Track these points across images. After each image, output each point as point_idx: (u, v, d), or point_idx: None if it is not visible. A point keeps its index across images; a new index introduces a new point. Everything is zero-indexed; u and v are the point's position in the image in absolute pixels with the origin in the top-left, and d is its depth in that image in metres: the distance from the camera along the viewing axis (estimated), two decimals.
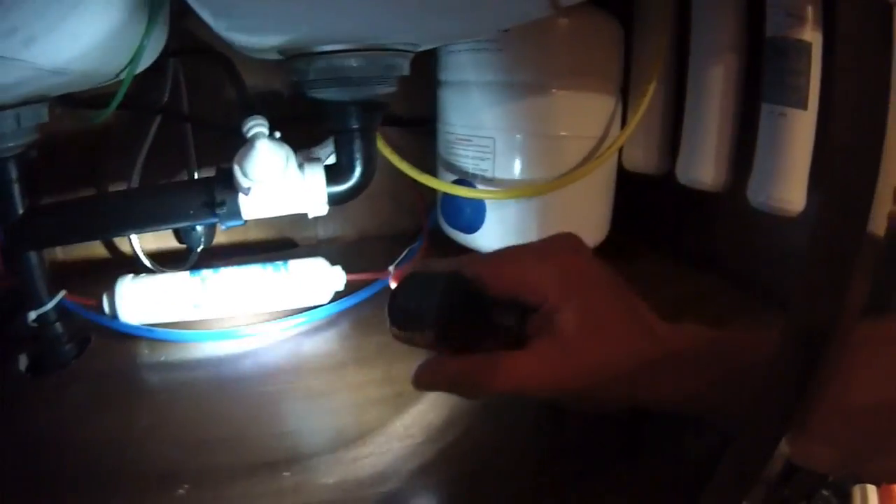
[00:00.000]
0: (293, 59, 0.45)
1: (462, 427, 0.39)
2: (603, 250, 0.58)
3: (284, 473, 0.36)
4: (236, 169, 0.43)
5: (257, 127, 0.43)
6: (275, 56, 0.47)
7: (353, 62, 0.43)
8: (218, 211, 0.44)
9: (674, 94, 0.57)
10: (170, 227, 0.47)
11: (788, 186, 0.49)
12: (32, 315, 0.48)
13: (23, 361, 0.49)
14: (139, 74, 0.45)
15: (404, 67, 0.45)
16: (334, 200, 0.45)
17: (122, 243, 0.57)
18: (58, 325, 0.49)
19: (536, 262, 0.31)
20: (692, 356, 0.29)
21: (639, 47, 0.57)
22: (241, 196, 0.44)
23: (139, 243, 0.55)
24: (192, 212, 0.45)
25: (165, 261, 0.57)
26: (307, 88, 0.44)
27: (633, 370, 0.28)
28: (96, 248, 0.59)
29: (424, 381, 0.32)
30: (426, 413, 0.40)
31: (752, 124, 0.51)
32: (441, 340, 0.28)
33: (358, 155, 0.45)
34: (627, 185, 0.59)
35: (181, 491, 0.35)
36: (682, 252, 0.60)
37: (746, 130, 0.53)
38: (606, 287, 0.31)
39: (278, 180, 0.43)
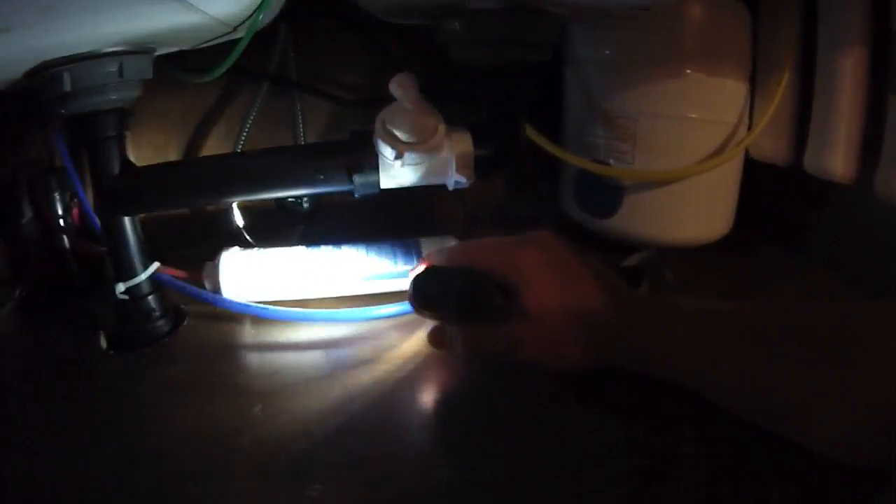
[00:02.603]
0: (441, 17, 0.42)
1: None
2: (723, 244, 0.56)
3: (440, 472, 0.32)
4: (381, 129, 0.39)
5: (408, 84, 0.39)
6: (414, 20, 0.44)
7: (508, 21, 0.40)
8: (354, 176, 0.41)
9: (801, 83, 0.56)
10: (292, 193, 0.43)
11: None
12: (121, 287, 0.44)
13: (103, 339, 0.45)
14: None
15: (551, 35, 0.42)
16: (481, 171, 0.42)
17: (213, 212, 0.53)
18: (150, 298, 0.45)
19: (509, 252, 0.38)
20: (657, 322, 0.35)
21: (766, 35, 0.56)
22: (382, 161, 0.41)
23: (239, 213, 0.51)
24: (322, 176, 0.42)
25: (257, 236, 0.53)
26: (456, 51, 0.41)
27: (592, 336, 0.36)
28: (187, 217, 0.54)
29: (435, 343, 0.41)
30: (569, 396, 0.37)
31: (881, 116, 0.50)
32: (451, 317, 0.38)
33: (507, 124, 0.42)
34: (750, 178, 0.57)
35: (313, 493, 0.31)
36: (804, 248, 0.58)
37: (875, 122, 0.51)
38: (567, 269, 0.37)
39: (431, 146, 0.39)
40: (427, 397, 0.40)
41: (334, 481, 0.31)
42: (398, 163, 0.40)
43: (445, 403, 0.40)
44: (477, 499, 0.31)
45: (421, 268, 0.40)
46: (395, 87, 0.39)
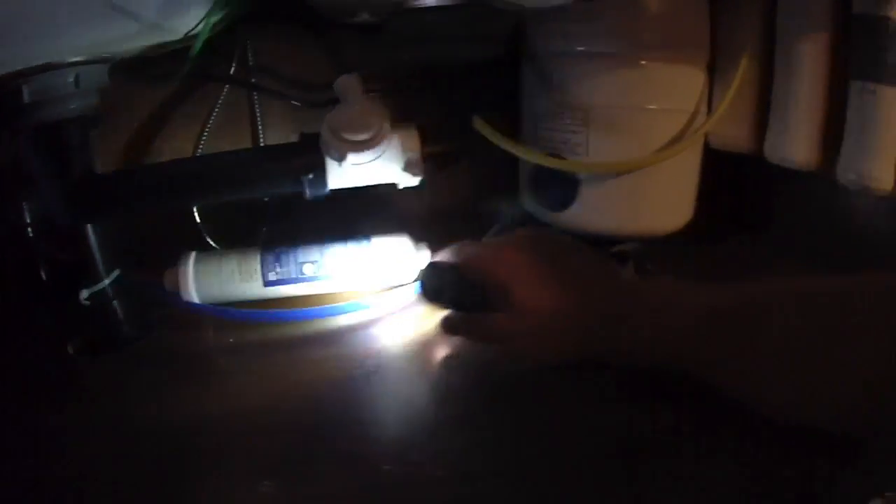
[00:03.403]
0: (387, 16, 0.42)
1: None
2: (685, 232, 0.56)
3: (384, 467, 0.33)
4: (327, 131, 0.40)
5: (352, 85, 0.40)
6: (363, 17, 0.44)
7: (449, 19, 0.40)
8: (304, 178, 0.41)
9: (761, 69, 0.55)
10: (246, 196, 0.44)
11: (878, 164, 0.48)
12: (85, 293, 0.45)
13: (71, 346, 0.46)
14: (206, 41, 0.42)
15: (502, 30, 0.43)
16: (430, 169, 0.42)
17: (180, 219, 0.53)
18: (115, 303, 0.46)
19: (499, 251, 0.41)
20: (650, 308, 0.36)
21: (725, 21, 0.55)
22: (329, 162, 0.41)
23: (200, 218, 0.51)
24: (273, 180, 0.42)
25: (223, 240, 0.53)
26: (403, 48, 0.41)
27: (582, 329, 0.37)
28: (151, 223, 0.55)
29: (445, 329, 0.43)
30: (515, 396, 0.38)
31: (841, 102, 0.50)
32: (453, 306, 0.42)
33: (455, 120, 0.43)
34: (710, 166, 0.57)
35: (263, 488, 0.31)
36: (765, 235, 0.58)
37: (837, 109, 0.51)
38: (555, 264, 0.39)
39: (374, 144, 0.40)
40: (387, 393, 0.41)
41: (287, 476, 0.32)
42: (344, 163, 0.40)
43: (406, 399, 0.40)
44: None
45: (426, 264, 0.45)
46: (339, 89, 0.40)
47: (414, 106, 0.44)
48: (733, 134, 0.55)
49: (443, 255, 0.44)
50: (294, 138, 0.44)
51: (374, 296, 0.48)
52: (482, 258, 0.41)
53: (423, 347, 0.45)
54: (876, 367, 0.29)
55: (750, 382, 0.33)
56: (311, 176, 0.41)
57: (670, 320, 0.35)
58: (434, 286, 0.43)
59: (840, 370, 0.30)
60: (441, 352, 0.43)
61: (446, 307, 0.43)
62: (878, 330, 0.30)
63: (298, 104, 0.51)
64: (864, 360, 0.30)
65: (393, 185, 0.43)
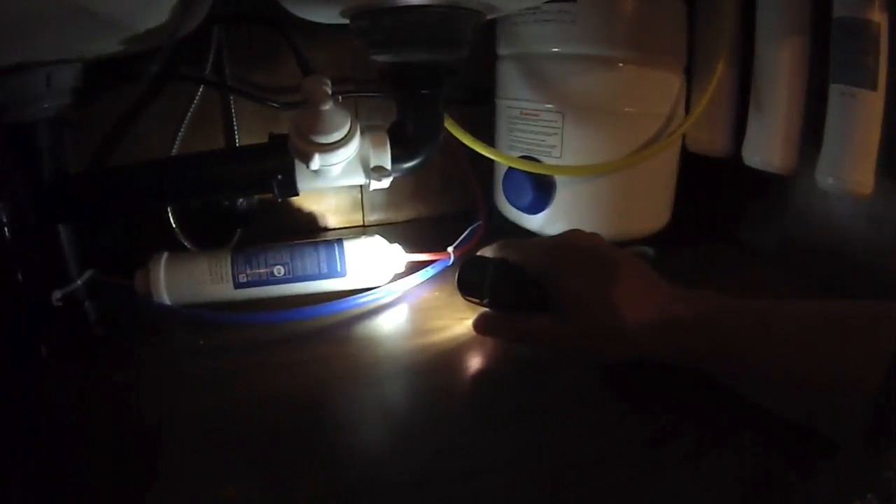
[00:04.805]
0: (358, 17, 0.42)
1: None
2: (662, 236, 0.55)
3: (349, 472, 0.33)
4: (294, 132, 0.40)
5: (319, 86, 0.39)
6: (334, 19, 0.44)
7: (423, 19, 0.40)
8: (273, 181, 0.41)
9: (739, 74, 0.55)
10: (216, 198, 0.44)
11: (858, 167, 0.48)
12: (58, 294, 0.44)
13: (45, 349, 0.45)
14: (181, 42, 0.42)
15: (472, 30, 0.42)
16: (399, 171, 0.42)
17: (155, 220, 0.53)
18: (87, 304, 0.45)
19: (547, 249, 0.40)
20: (691, 321, 0.36)
21: (703, 26, 0.55)
22: (297, 165, 0.41)
23: (174, 220, 0.51)
24: (243, 181, 0.42)
25: (198, 242, 0.53)
26: (372, 50, 0.41)
27: (630, 330, 0.36)
28: (120, 228, 0.55)
29: (479, 329, 0.42)
30: (499, 401, 0.38)
31: (820, 106, 0.50)
32: (492, 304, 0.41)
33: (425, 122, 0.42)
34: (686, 170, 0.57)
35: (225, 492, 0.31)
36: (743, 239, 0.58)
37: (814, 112, 0.51)
38: (603, 266, 0.38)
39: (341, 146, 0.39)
40: (362, 395, 0.40)
41: (248, 480, 0.32)
42: (312, 165, 0.40)
43: (380, 402, 0.40)
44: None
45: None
46: (305, 90, 0.40)
47: (383, 107, 0.44)
48: (711, 138, 0.56)
49: (484, 251, 0.44)
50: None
51: (346, 298, 0.47)
52: (529, 256, 0.40)
53: (399, 347, 0.44)
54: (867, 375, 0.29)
55: (795, 394, 0.33)
56: (280, 177, 0.41)
57: (723, 329, 0.35)
58: (473, 281, 0.41)
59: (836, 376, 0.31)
60: (418, 351, 0.43)
61: (483, 304, 0.42)
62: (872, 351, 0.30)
63: (272, 105, 0.51)
64: (857, 370, 0.30)
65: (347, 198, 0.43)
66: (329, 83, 0.40)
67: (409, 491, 0.31)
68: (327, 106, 0.38)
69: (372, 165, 0.42)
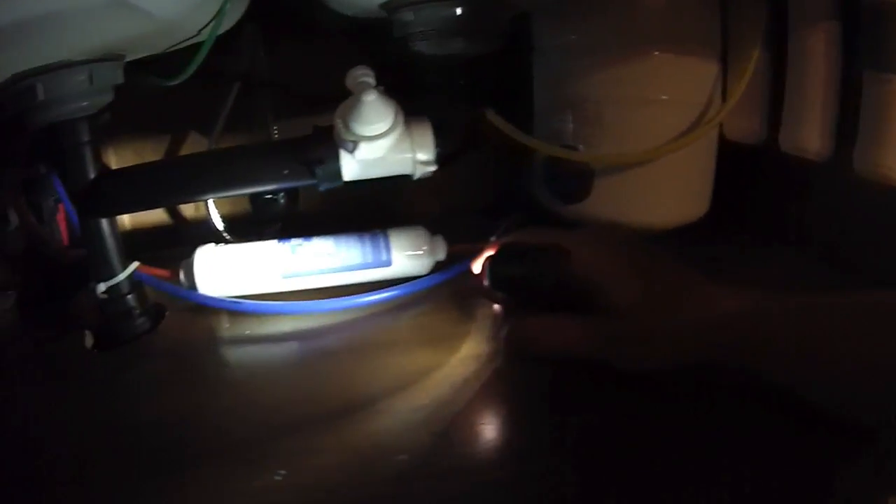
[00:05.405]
0: (397, 10, 0.42)
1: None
2: (697, 225, 0.55)
3: (400, 457, 0.33)
4: (339, 123, 0.40)
5: (363, 77, 0.40)
6: (373, 12, 0.44)
7: (463, 10, 0.40)
8: (316, 170, 0.42)
9: (773, 60, 0.55)
10: (259, 189, 0.44)
11: (894, 154, 0.47)
12: (102, 287, 0.45)
13: (88, 339, 0.46)
14: (217, 40, 0.42)
15: (510, 21, 0.43)
16: (441, 162, 0.42)
17: (191, 213, 0.54)
18: (130, 297, 0.46)
19: (592, 247, 0.38)
20: (739, 317, 0.34)
21: (735, 13, 0.55)
22: (342, 154, 0.41)
23: (216, 212, 0.52)
24: (286, 171, 0.43)
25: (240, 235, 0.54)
26: (411, 42, 0.41)
27: (684, 333, 0.34)
28: (164, 219, 0.56)
29: (510, 343, 0.39)
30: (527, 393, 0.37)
31: (856, 91, 0.49)
32: (522, 300, 0.38)
33: (464, 114, 0.43)
34: (723, 162, 0.56)
35: (277, 477, 0.31)
36: (779, 228, 0.57)
37: (851, 97, 0.51)
38: (650, 266, 0.37)
39: (385, 136, 0.40)
40: (401, 386, 0.40)
41: (299, 468, 0.32)
42: (357, 155, 0.40)
43: (421, 392, 0.40)
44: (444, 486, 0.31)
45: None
46: (350, 81, 0.40)
47: (426, 99, 0.44)
48: (747, 125, 0.55)
49: (515, 241, 0.40)
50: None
51: (391, 287, 0.47)
52: (577, 253, 0.37)
53: (441, 339, 0.44)
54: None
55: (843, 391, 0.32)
56: (324, 168, 0.42)
57: (776, 329, 0.34)
58: (504, 275, 0.38)
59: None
60: (458, 344, 0.43)
61: (510, 301, 0.39)
62: None
63: (311, 99, 0.52)
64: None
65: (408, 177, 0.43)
66: (372, 74, 0.40)
67: (455, 479, 0.31)
68: (371, 97, 0.39)
69: (416, 156, 0.42)
